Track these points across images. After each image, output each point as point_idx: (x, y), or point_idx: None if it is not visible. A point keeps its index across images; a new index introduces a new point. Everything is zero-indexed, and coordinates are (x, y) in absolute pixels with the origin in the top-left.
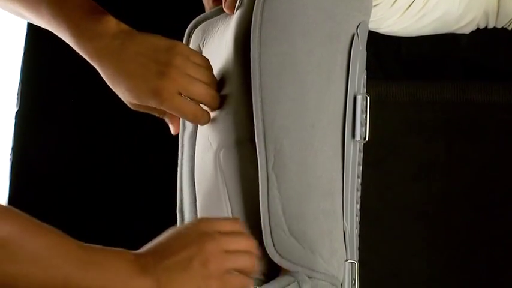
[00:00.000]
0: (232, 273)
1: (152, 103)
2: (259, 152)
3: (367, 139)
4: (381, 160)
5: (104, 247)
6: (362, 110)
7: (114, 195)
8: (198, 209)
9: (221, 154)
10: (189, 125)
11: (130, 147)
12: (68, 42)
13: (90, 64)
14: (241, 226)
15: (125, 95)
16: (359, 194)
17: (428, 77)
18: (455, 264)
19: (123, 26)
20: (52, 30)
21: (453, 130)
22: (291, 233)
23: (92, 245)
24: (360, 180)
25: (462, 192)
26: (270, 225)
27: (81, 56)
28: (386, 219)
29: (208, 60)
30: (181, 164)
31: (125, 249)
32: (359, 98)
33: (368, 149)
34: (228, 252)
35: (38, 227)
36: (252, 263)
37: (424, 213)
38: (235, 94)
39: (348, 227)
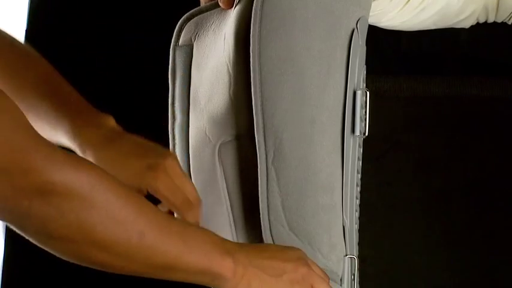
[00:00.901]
0: None
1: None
2: (258, 147)
3: (366, 134)
4: (381, 155)
5: (185, 221)
6: (362, 105)
7: None
8: None
9: (221, 148)
10: (179, 115)
11: None
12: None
13: (89, 61)
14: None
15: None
16: (359, 189)
17: (428, 72)
18: (455, 260)
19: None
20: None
21: (453, 125)
22: (290, 228)
23: (171, 216)
24: (359, 176)
25: (462, 188)
26: (269, 220)
27: (80, 54)
28: (386, 215)
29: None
30: None
31: (207, 230)
32: (359, 93)
33: (368, 144)
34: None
35: (112, 179)
36: None
37: (424, 208)
38: (234, 89)
39: (347, 222)
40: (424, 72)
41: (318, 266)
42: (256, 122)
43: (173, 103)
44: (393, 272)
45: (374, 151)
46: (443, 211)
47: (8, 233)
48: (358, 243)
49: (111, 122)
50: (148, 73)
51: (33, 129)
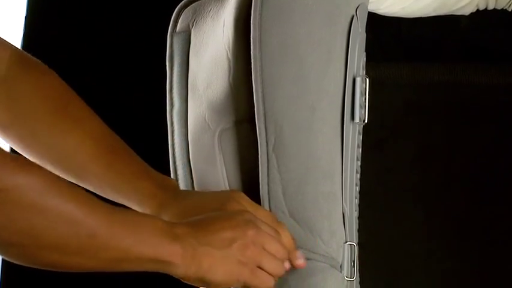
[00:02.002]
0: (262, 271)
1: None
2: (259, 134)
3: (366, 121)
4: (381, 142)
5: (134, 211)
6: (361, 92)
7: None
8: (195, 189)
9: (221, 135)
10: (177, 102)
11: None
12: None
13: (86, 46)
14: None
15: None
16: (358, 176)
17: (428, 59)
18: (453, 247)
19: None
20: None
21: (453, 112)
22: (291, 215)
23: (121, 207)
24: (359, 163)
25: (462, 175)
26: (269, 207)
27: (80, 37)
28: (386, 202)
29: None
30: (173, 144)
31: (155, 216)
32: (358, 80)
33: (368, 131)
34: (265, 250)
35: (59, 181)
36: (281, 270)
37: (424, 195)
38: (234, 76)
39: (347, 209)
40: (424, 59)
41: (268, 225)
42: (257, 109)
43: (171, 90)
44: (392, 259)
45: (374, 138)
46: (443, 198)
47: None
48: (358, 230)
49: (174, 182)
50: (146, 60)
51: None
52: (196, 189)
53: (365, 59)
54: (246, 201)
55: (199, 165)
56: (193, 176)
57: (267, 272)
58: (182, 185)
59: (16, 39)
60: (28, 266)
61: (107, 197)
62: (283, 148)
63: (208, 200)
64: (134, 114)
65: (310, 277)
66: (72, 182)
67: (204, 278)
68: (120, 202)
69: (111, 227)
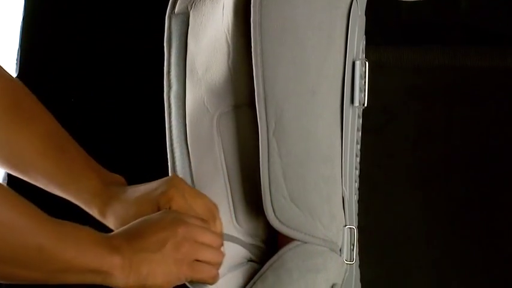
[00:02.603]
0: (201, 263)
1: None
2: (259, 118)
3: (365, 105)
4: (381, 126)
5: (74, 223)
6: (361, 76)
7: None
8: (193, 171)
9: (219, 118)
10: (175, 84)
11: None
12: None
13: (83, 26)
14: (209, 223)
15: None
16: (358, 159)
17: (428, 42)
18: (454, 230)
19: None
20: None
21: (453, 95)
22: (291, 199)
23: (62, 220)
24: (359, 146)
25: (462, 159)
26: (270, 191)
27: (80, 19)
28: (386, 185)
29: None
30: (170, 127)
31: (92, 229)
32: (358, 63)
33: (368, 115)
34: (198, 242)
35: (11, 195)
36: (218, 257)
37: (424, 179)
38: (233, 59)
39: (346, 193)
40: (425, 43)
41: (195, 217)
42: (257, 93)
43: (169, 71)
44: (392, 242)
45: (374, 122)
46: (443, 182)
47: None
48: (358, 214)
49: (121, 179)
50: (144, 41)
51: None
52: (194, 171)
53: (365, 42)
54: (184, 186)
55: (197, 148)
56: (191, 158)
57: (206, 263)
58: (180, 167)
59: (14, 40)
60: None
61: (56, 194)
62: (284, 132)
63: (148, 191)
64: (133, 95)
65: (309, 260)
66: (21, 196)
67: (145, 284)
68: (68, 199)
69: (57, 240)
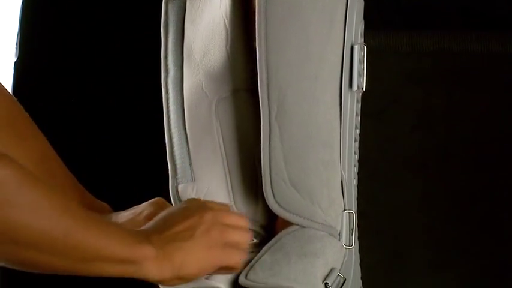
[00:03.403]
0: (231, 248)
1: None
2: (262, 102)
3: (364, 89)
4: (380, 111)
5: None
6: (360, 60)
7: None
8: (192, 156)
9: (218, 103)
10: (172, 69)
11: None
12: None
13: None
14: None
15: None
16: (357, 144)
17: (428, 27)
18: (453, 215)
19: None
20: None
21: (453, 80)
22: (291, 183)
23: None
24: (358, 131)
25: (462, 143)
26: (270, 175)
27: (79, 6)
28: (386, 171)
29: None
30: (168, 112)
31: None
32: (356, 47)
33: (367, 100)
34: (225, 225)
35: (38, 179)
36: (246, 238)
37: (423, 164)
38: (232, 44)
39: (345, 177)
40: (424, 27)
41: (215, 202)
42: (260, 77)
43: (166, 57)
44: (392, 227)
45: (374, 107)
46: (443, 166)
47: None
48: (357, 199)
49: (107, 206)
50: (141, 26)
51: None
52: (192, 156)
53: (363, 26)
54: (168, 207)
55: (195, 133)
56: (189, 143)
57: (237, 245)
58: (178, 153)
59: (13, 40)
60: (5, 265)
61: None
62: (286, 117)
63: (132, 216)
64: (130, 80)
65: (308, 245)
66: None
67: (179, 274)
68: None
69: (84, 225)
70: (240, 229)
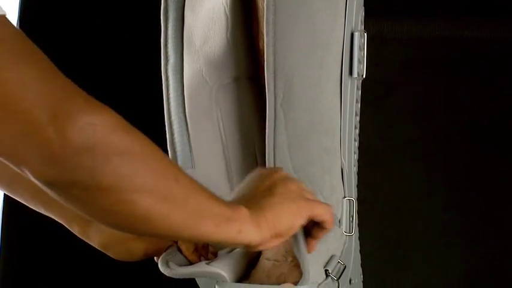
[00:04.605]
0: (314, 199)
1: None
2: (268, 89)
3: (364, 76)
4: (381, 98)
5: None
6: (360, 47)
7: None
8: (192, 144)
9: (218, 90)
10: (172, 56)
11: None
12: None
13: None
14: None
15: None
16: (357, 131)
17: (429, 14)
18: (453, 202)
19: None
20: None
21: (453, 67)
22: (295, 171)
23: None
24: (358, 118)
25: (462, 129)
26: (274, 162)
27: (78, 16)
28: (386, 158)
29: None
30: (168, 99)
31: None
32: (356, 34)
33: (368, 87)
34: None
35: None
36: (331, 215)
37: (424, 150)
38: (232, 31)
39: (345, 164)
40: (425, 14)
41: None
42: (267, 64)
43: (166, 44)
44: (392, 214)
45: (375, 94)
46: (443, 153)
47: (5, 232)
48: (357, 186)
49: None
50: (140, 14)
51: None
52: (192, 143)
53: (363, 13)
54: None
55: (195, 120)
56: (190, 130)
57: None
58: (178, 140)
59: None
60: (127, 221)
61: (38, 211)
62: (292, 104)
63: None
64: (129, 67)
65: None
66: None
67: (276, 230)
68: (51, 217)
69: (188, 177)
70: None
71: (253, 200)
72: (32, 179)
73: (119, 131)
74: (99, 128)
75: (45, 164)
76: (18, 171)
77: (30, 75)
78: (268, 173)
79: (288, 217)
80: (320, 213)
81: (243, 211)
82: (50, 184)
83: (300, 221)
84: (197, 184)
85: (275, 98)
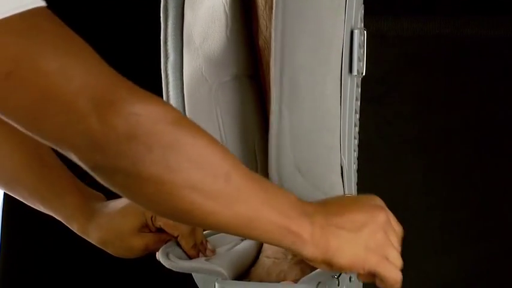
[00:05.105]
0: (389, 261)
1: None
2: (274, 85)
3: (364, 74)
4: (381, 96)
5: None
6: (360, 45)
7: None
8: None
9: (218, 88)
10: (172, 54)
11: None
12: None
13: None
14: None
15: None
16: (357, 129)
17: (429, 12)
18: (453, 200)
19: None
20: None
21: (453, 65)
22: (297, 168)
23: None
24: (358, 116)
25: (462, 127)
26: (277, 160)
27: (72, 21)
28: (386, 154)
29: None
30: (168, 97)
31: (289, 192)
32: (356, 32)
33: (368, 85)
34: (389, 239)
35: (200, 127)
36: (400, 265)
37: (424, 147)
38: (232, 29)
39: (345, 162)
40: (425, 12)
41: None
42: (274, 60)
43: (165, 41)
44: (392, 211)
45: (374, 91)
46: (443, 151)
47: (5, 233)
48: (357, 184)
49: (101, 195)
50: (140, 11)
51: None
52: None
53: (363, 11)
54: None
55: (195, 118)
56: None
57: (393, 260)
58: None
59: None
60: (168, 212)
61: (36, 207)
62: (296, 101)
63: (129, 208)
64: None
65: None
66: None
67: (330, 259)
68: (49, 213)
69: (245, 176)
70: (398, 253)
71: (333, 220)
72: (80, 163)
73: (164, 122)
74: (143, 118)
75: (90, 150)
76: (67, 155)
77: (72, 66)
78: (370, 207)
79: (349, 259)
80: (385, 276)
81: (304, 225)
82: (95, 169)
83: (359, 270)
84: (258, 186)
85: (281, 95)
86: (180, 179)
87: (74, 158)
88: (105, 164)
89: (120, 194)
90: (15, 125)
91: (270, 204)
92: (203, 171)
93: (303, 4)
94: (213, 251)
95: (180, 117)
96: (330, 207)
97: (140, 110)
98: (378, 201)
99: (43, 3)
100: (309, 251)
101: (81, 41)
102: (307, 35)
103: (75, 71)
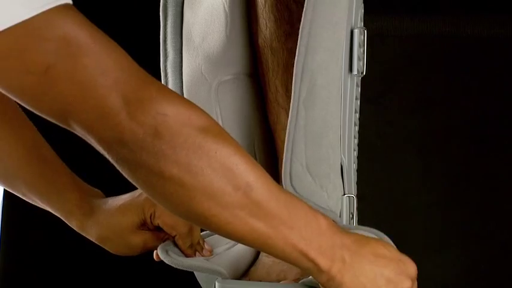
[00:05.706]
0: None
1: None
2: (294, 85)
3: (364, 73)
4: (381, 95)
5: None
6: (360, 44)
7: None
8: None
9: (218, 87)
10: (171, 53)
11: None
12: None
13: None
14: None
15: None
16: (357, 128)
17: (428, 11)
18: (452, 198)
19: None
20: None
21: (453, 64)
22: (307, 167)
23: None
24: (357, 115)
25: (461, 127)
26: (291, 159)
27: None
28: (386, 154)
29: None
30: None
31: (324, 214)
32: (356, 31)
33: (368, 84)
34: None
35: (229, 135)
36: None
37: (423, 147)
38: (231, 28)
39: (345, 161)
40: (425, 11)
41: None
42: (298, 60)
43: (165, 40)
44: (391, 210)
45: (374, 91)
46: (442, 151)
47: (5, 234)
48: (357, 183)
49: (100, 192)
50: (139, 10)
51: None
52: None
53: (363, 10)
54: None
55: None
56: None
57: None
58: None
59: None
60: (183, 214)
61: (35, 203)
62: (313, 101)
63: (131, 198)
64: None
65: None
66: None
67: (340, 284)
68: (48, 209)
69: (269, 189)
70: None
71: (358, 264)
72: (105, 154)
73: (190, 126)
74: (169, 119)
75: (117, 143)
76: (92, 145)
77: (107, 61)
78: (402, 271)
79: None
80: None
81: (325, 258)
82: (120, 161)
83: None
84: (282, 204)
85: (299, 94)
86: (200, 185)
87: (100, 148)
88: (130, 157)
89: (141, 189)
90: (46, 118)
91: (292, 226)
92: (223, 181)
93: (330, 7)
94: (210, 251)
95: (209, 123)
96: (364, 248)
97: (168, 111)
98: (412, 270)
99: (68, 0)
100: (323, 279)
101: (112, 40)
102: (329, 36)
103: (109, 66)
